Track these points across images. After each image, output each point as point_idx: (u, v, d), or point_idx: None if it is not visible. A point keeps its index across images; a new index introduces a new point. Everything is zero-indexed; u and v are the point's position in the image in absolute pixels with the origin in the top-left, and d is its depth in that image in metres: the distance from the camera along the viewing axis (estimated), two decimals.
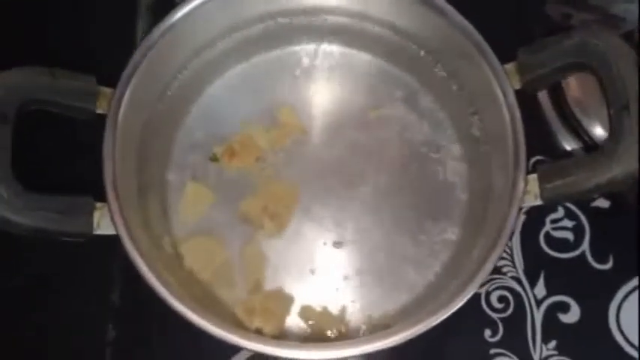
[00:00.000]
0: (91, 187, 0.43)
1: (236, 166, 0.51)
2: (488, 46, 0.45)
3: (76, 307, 0.51)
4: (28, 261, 0.52)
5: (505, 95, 0.45)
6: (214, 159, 0.51)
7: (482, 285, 0.50)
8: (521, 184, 0.43)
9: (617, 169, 0.40)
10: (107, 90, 0.45)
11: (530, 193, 0.43)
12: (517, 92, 0.45)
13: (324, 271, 0.49)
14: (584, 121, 0.53)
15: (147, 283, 0.42)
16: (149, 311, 0.50)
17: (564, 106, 0.54)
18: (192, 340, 0.50)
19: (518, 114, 0.44)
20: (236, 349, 0.50)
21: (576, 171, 0.41)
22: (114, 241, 0.43)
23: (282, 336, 0.47)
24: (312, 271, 0.49)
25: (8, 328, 0.51)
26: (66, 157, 0.52)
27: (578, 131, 0.53)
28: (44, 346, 0.51)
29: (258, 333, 0.46)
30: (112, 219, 0.42)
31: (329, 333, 0.48)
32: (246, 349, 0.42)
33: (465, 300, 0.42)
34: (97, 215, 0.43)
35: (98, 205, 0.43)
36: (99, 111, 0.45)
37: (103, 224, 0.43)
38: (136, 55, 0.46)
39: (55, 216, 0.41)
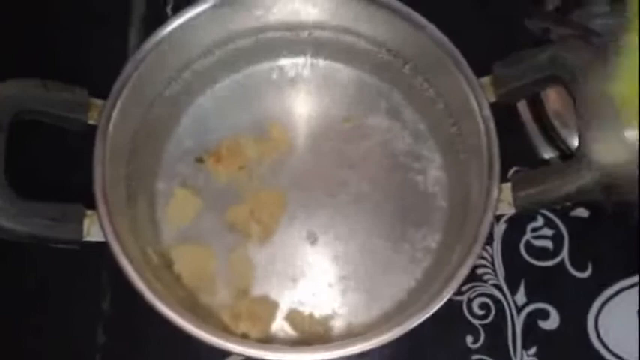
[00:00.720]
0: (82, 194, 0.44)
1: (221, 171, 0.52)
2: (464, 59, 0.47)
3: (66, 312, 0.52)
4: (18, 267, 0.52)
5: (480, 107, 0.46)
6: (200, 160, 0.52)
7: (463, 292, 0.52)
8: (494, 193, 0.44)
9: (585, 179, 0.41)
10: (98, 101, 0.46)
11: (504, 201, 0.44)
12: (495, 104, 0.46)
13: (308, 277, 0.50)
14: (563, 133, 0.54)
15: (135, 288, 0.43)
16: (138, 317, 0.51)
17: (543, 117, 0.55)
18: (181, 346, 0.51)
19: (492, 125, 0.45)
20: (224, 354, 0.50)
21: (547, 180, 0.43)
22: (104, 247, 0.44)
23: (268, 340, 0.48)
24: (297, 278, 0.50)
25: None
26: (58, 165, 0.53)
27: (557, 142, 0.54)
28: (35, 350, 0.51)
29: (245, 337, 0.47)
30: (102, 226, 0.44)
31: (313, 337, 0.49)
32: (234, 353, 0.43)
33: (440, 304, 0.43)
34: (87, 222, 0.44)
35: (88, 212, 0.44)
36: (90, 122, 0.46)
37: (92, 231, 0.44)
38: (127, 68, 0.47)
39: (47, 223, 0.42)
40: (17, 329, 0.52)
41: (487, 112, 0.46)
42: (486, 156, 0.45)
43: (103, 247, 0.44)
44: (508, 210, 0.44)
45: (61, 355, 0.52)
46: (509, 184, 0.44)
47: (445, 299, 0.42)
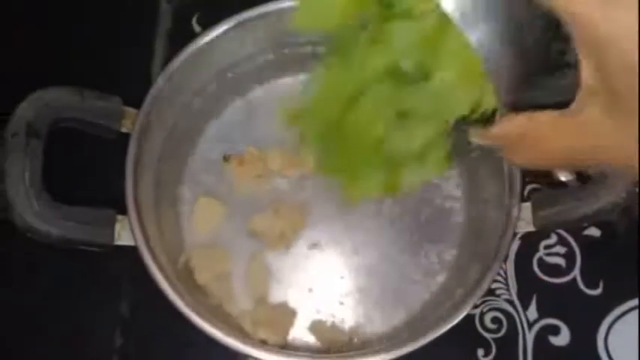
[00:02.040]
0: (113, 200, 0.46)
1: (243, 175, 0.53)
2: None
3: (84, 315, 0.53)
4: (39, 270, 0.53)
5: None
6: (226, 159, 0.53)
7: (476, 306, 0.52)
8: (515, 212, 0.45)
9: (603, 201, 0.42)
10: (131, 110, 0.48)
11: (524, 220, 0.45)
12: None
13: (325, 287, 0.51)
14: None
15: (163, 293, 0.44)
16: (156, 321, 0.52)
17: None
18: (197, 350, 0.52)
19: None
20: (240, 358, 0.51)
21: (566, 201, 0.44)
22: (125, 251, 0.45)
23: (286, 348, 0.49)
24: (314, 287, 0.51)
25: (17, 334, 0.52)
26: (91, 171, 0.54)
27: None
28: (52, 352, 0.52)
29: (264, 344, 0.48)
30: (132, 231, 0.45)
31: (330, 347, 0.50)
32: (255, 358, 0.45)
33: (459, 318, 0.44)
34: (118, 227, 0.45)
35: (119, 217, 0.45)
36: (123, 130, 0.47)
37: (123, 235, 0.45)
38: (160, 79, 0.49)
39: (81, 227, 0.44)
40: (35, 330, 0.53)
41: None
42: (507, 175, 0.46)
43: (123, 250, 0.45)
44: (527, 228, 0.45)
45: (79, 357, 0.52)
46: (528, 204, 0.46)
47: (464, 314, 0.44)
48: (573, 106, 0.28)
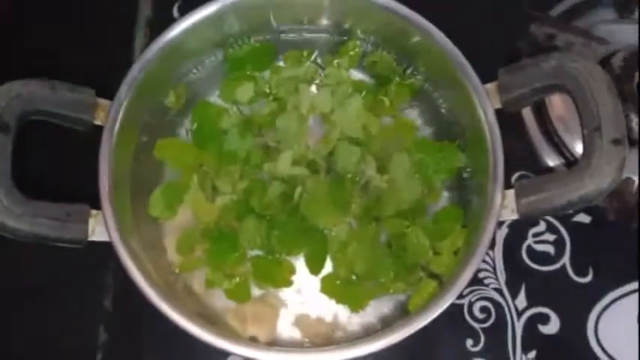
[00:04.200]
0: (88, 194, 0.45)
1: None
2: (470, 66, 0.47)
3: (68, 310, 0.52)
4: (23, 265, 0.53)
5: (485, 114, 0.46)
6: None
7: (464, 296, 0.52)
8: (497, 199, 0.44)
9: (588, 187, 0.41)
10: (105, 102, 0.46)
11: (508, 207, 0.44)
12: (500, 110, 0.47)
13: (307, 280, 0.50)
14: (566, 138, 0.54)
15: (138, 287, 0.43)
16: (140, 316, 0.51)
17: (547, 122, 0.54)
18: (182, 345, 0.51)
19: (497, 132, 0.45)
20: (225, 353, 0.50)
21: (550, 187, 0.43)
22: (108, 247, 0.44)
23: (275, 342, 0.48)
24: (297, 281, 0.50)
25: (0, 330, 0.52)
26: (64, 165, 0.53)
27: (560, 147, 0.54)
28: (36, 348, 0.52)
29: (253, 340, 0.47)
30: (106, 226, 0.44)
31: (318, 340, 0.49)
32: (240, 355, 0.44)
33: (443, 308, 0.43)
34: (92, 222, 0.44)
35: (93, 212, 0.44)
36: (97, 122, 0.46)
37: (97, 231, 0.44)
38: (134, 69, 0.47)
39: (52, 223, 0.43)
40: (18, 326, 0.52)
41: (492, 118, 0.46)
42: (491, 162, 0.45)
43: (106, 246, 0.44)
44: (511, 216, 0.44)
45: (63, 353, 0.52)
46: (512, 191, 0.45)
47: (448, 303, 0.43)
48: None
